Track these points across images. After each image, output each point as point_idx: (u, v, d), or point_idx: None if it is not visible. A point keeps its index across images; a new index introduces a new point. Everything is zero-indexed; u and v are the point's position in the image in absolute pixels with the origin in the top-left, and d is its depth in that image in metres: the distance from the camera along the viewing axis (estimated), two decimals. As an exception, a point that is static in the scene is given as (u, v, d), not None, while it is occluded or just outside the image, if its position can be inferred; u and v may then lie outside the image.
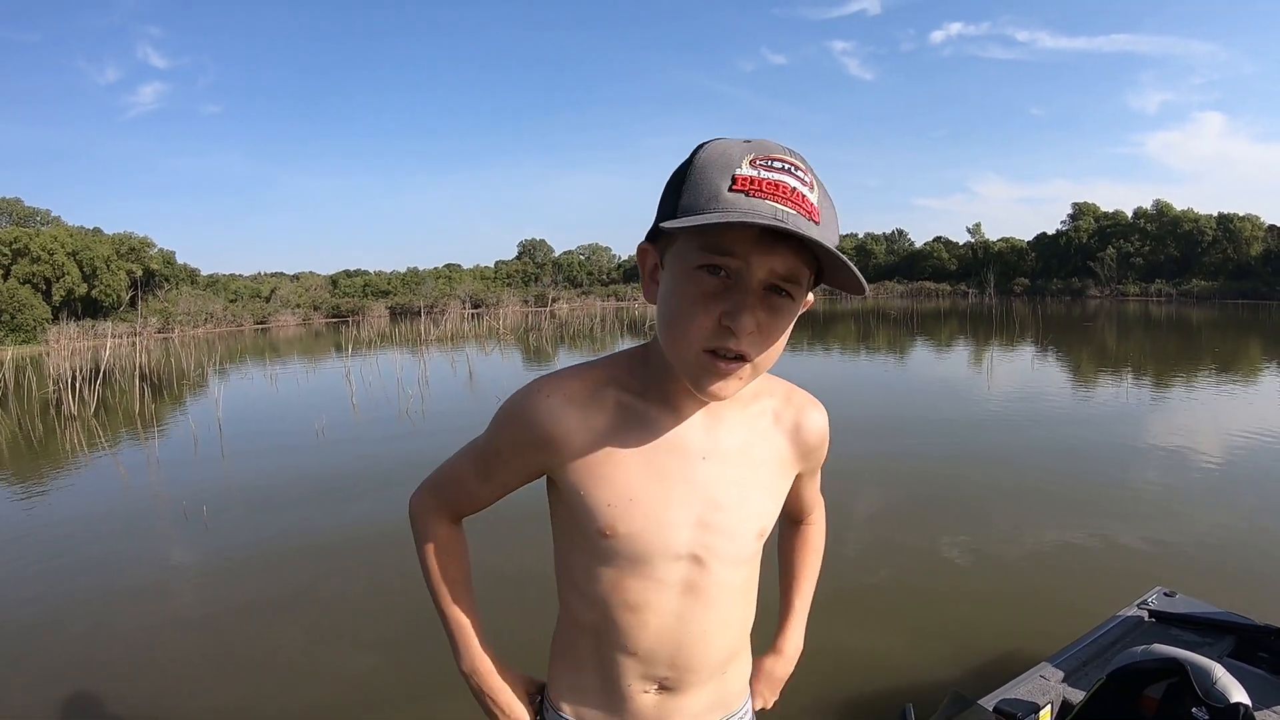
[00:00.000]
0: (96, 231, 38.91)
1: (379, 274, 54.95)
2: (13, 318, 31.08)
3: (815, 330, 22.02)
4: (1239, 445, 6.18)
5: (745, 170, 0.66)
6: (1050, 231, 51.97)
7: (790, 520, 1.06)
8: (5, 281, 31.92)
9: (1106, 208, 49.78)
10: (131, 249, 38.33)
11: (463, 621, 0.93)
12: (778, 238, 0.66)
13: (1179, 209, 45.14)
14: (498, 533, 3.24)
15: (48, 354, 24.18)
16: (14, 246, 33.04)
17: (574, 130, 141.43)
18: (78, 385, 11.31)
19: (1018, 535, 4.17)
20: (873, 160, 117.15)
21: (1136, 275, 43.41)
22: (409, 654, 3.03)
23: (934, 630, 3.08)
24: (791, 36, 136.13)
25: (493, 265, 60.27)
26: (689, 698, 0.88)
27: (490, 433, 0.86)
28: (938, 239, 58.34)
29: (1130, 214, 47.53)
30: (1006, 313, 27.33)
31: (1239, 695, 1.56)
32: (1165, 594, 2.50)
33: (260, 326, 39.31)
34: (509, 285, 53.71)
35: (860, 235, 61.02)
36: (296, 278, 53.66)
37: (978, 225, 56.55)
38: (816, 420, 0.90)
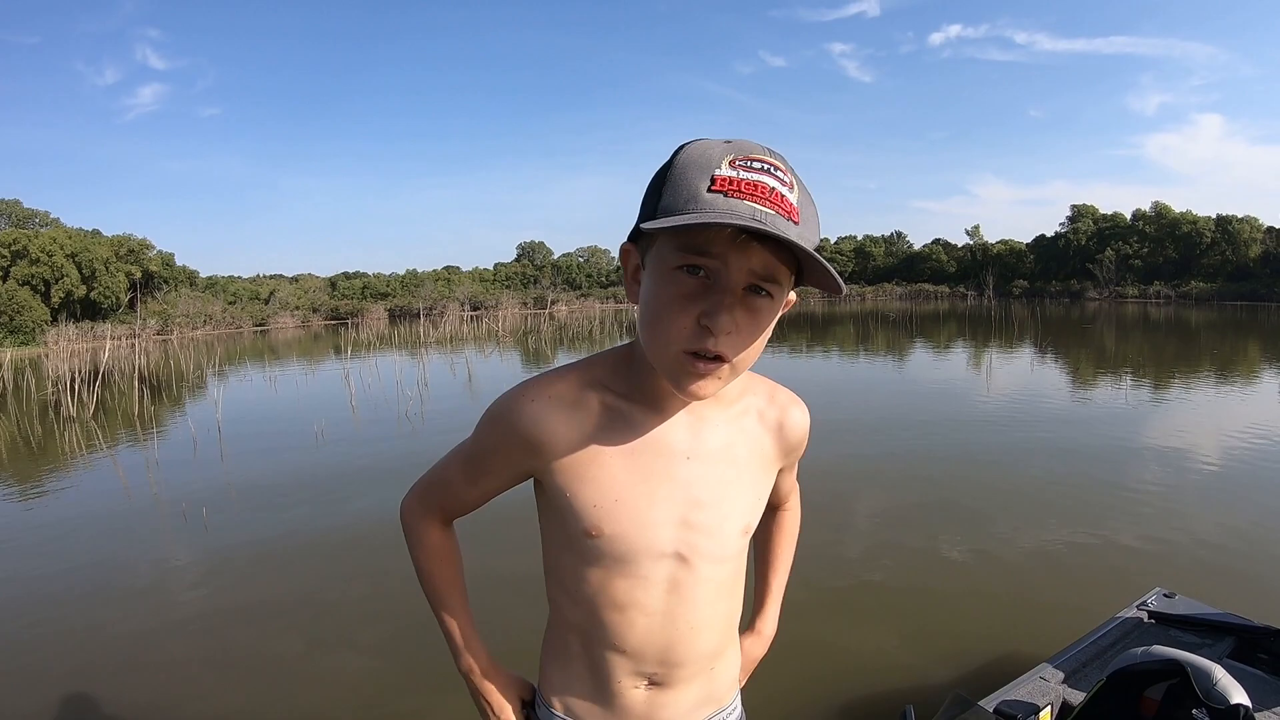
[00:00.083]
0: (95, 233, 38.91)
1: (378, 276, 54.99)
2: (11, 319, 31.05)
3: (814, 332, 22.03)
4: (1238, 446, 6.18)
5: (724, 171, 0.67)
6: (1049, 233, 52.13)
7: (768, 507, 1.08)
8: (4, 283, 31.90)
9: (1105, 210, 49.97)
10: (130, 251, 38.33)
11: (457, 623, 0.95)
12: (756, 238, 0.66)
13: (1178, 211, 45.24)
14: (490, 533, 3.24)
15: (46, 356, 24.18)
16: (13, 248, 33.03)
17: (573, 133, 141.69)
18: (77, 387, 11.31)
19: (1017, 536, 4.17)
20: (872, 162, 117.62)
21: (1135, 277, 43.48)
22: (409, 656, 3.02)
23: (934, 631, 3.08)
24: (790, 39, 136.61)
25: (491, 267, 60.31)
26: (678, 693, 0.89)
27: (477, 437, 0.87)
28: (936, 241, 58.44)
29: (1129, 216, 47.64)
30: (1005, 315, 27.36)
31: (1239, 696, 1.56)
32: (1165, 595, 2.50)
33: (259, 328, 39.30)
34: (508, 287, 53.76)
35: (859, 237, 61.10)
36: (295, 280, 53.68)
37: (976, 227, 56.67)
38: (799, 418, 0.91)
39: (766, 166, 0.68)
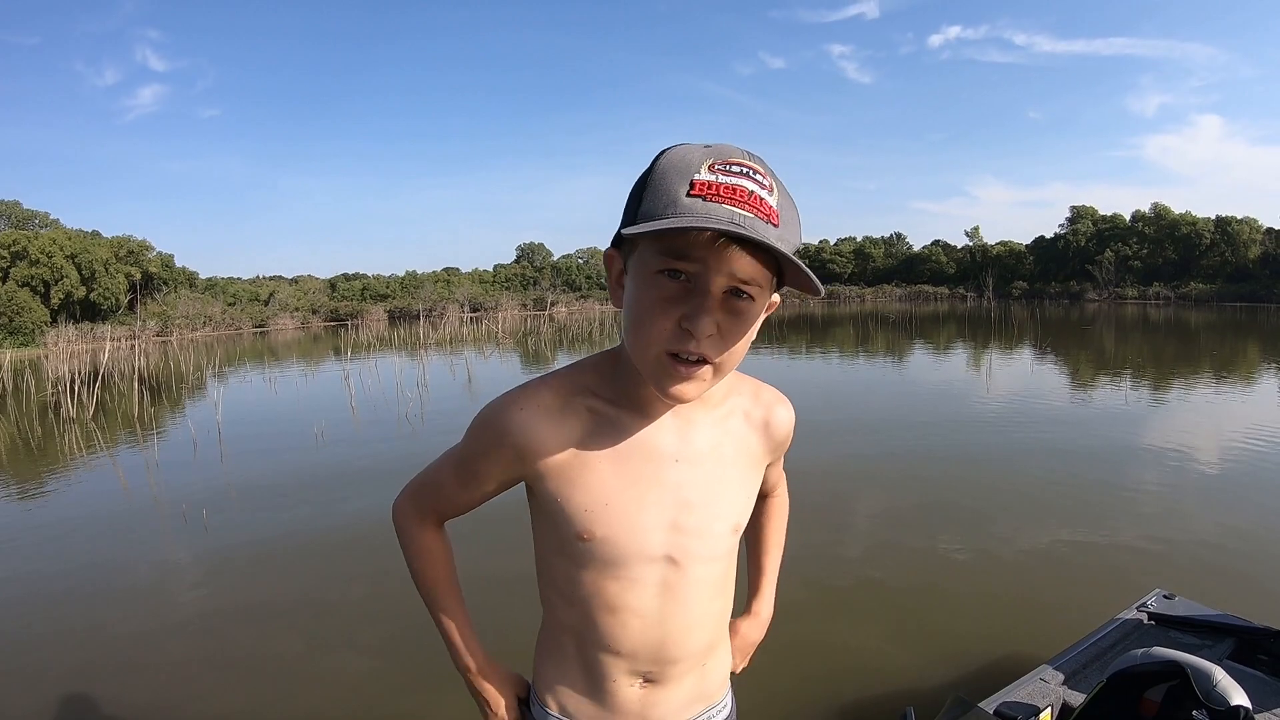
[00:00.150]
0: (95, 234, 38.90)
1: (377, 277, 54.96)
2: (11, 320, 31.04)
3: (815, 334, 22.04)
4: (1238, 447, 6.19)
5: (703, 175, 0.67)
6: (1048, 235, 52.17)
7: (758, 495, 1.10)
8: (4, 284, 31.89)
9: (1104, 211, 50.03)
10: (130, 252, 38.33)
11: (453, 621, 0.97)
12: (735, 241, 0.67)
13: (1177, 212, 45.29)
14: (486, 534, 3.24)
15: (46, 357, 24.19)
16: (13, 249, 33.02)
17: (572, 133, 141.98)
18: (76, 388, 11.31)
19: (1017, 537, 4.18)
20: (871, 163, 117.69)
21: (1134, 278, 43.51)
22: (409, 656, 3.02)
23: (934, 632, 3.08)
24: (789, 40, 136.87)
25: (491, 269, 60.28)
26: (672, 690, 0.91)
27: (467, 443, 0.89)
28: (936, 242, 58.46)
29: (1128, 217, 47.67)
30: (1005, 316, 27.37)
31: (1239, 698, 1.56)
32: (1165, 596, 2.50)
33: (259, 330, 39.30)
34: (507, 289, 53.75)
35: (859, 238, 61.09)
36: (295, 281, 53.67)
37: (976, 229, 56.73)
38: (784, 416, 0.93)
39: (745, 170, 0.68)
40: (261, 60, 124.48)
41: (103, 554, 4.58)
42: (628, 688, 0.89)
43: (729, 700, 1.01)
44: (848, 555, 3.98)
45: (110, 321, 32.96)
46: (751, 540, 1.14)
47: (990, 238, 55.82)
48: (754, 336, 0.77)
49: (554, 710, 0.92)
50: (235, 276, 52.27)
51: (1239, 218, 42.45)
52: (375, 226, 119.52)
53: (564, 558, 0.85)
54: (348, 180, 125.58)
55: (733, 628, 1.10)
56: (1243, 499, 4.81)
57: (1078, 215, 50.78)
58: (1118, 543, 4.05)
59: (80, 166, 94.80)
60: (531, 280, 56.54)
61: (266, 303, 44.84)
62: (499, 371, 14.68)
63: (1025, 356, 14.34)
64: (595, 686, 0.89)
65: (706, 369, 0.74)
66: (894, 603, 3.41)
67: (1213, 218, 43.48)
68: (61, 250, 33.98)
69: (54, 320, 32.33)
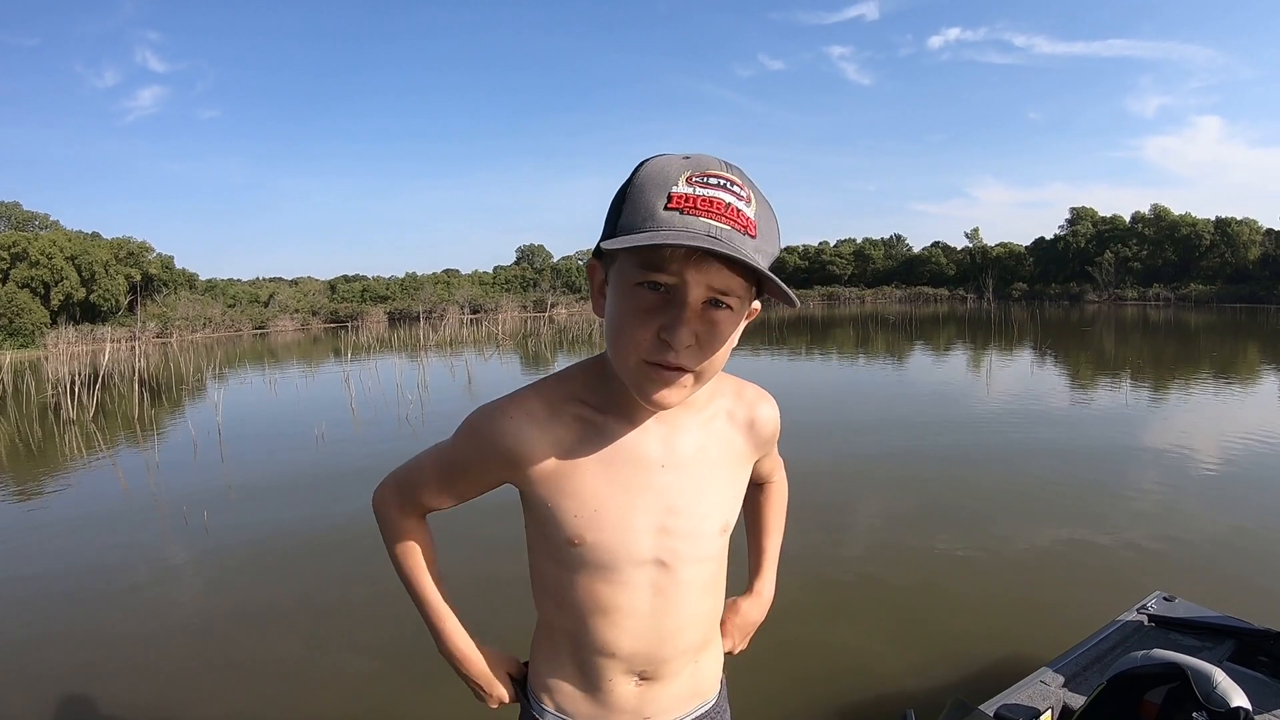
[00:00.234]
0: (95, 236, 38.95)
1: (377, 279, 55.04)
2: (11, 322, 31.06)
3: (814, 335, 22.04)
4: (1238, 448, 6.19)
5: (681, 188, 0.68)
6: (1048, 236, 52.19)
7: (755, 483, 1.11)
8: (4, 286, 31.91)
9: (1104, 212, 50.05)
10: (130, 253, 38.36)
11: (436, 607, 0.99)
12: (712, 253, 0.68)
13: (1177, 213, 45.32)
14: (481, 534, 3.24)
15: (46, 358, 24.17)
16: (12, 250, 33.05)
17: (572, 135, 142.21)
18: (76, 389, 11.31)
19: (1017, 538, 4.17)
20: (871, 164, 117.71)
21: (1134, 280, 43.53)
22: (409, 657, 3.02)
23: (934, 633, 3.08)
24: (789, 41, 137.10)
25: (491, 270, 60.33)
26: (667, 687, 0.93)
27: (455, 446, 0.90)
28: (936, 244, 58.51)
29: (1128, 218, 47.70)
30: (1005, 317, 27.38)
31: (1239, 700, 1.56)
32: (1165, 598, 2.50)
33: (259, 331, 39.31)
34: (507, 290, 53.76)
35: (858, 240, 61.14)
36: (295, 283, 53.73)
37: (976, 230, 56.80)
38: (768, 414, 0.94)
39: (723, 182, 0.69)
40: (261, 61, 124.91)
41: (103, 555, 4.57)
42: (624, 686, 0.91)
43: (723, 697, 1.03)
44: (847, 555, 3.97)
45: (110, 323, 32.97)
46: (751, 524, 1.15)
47: (990, 239, 55.97)
48: (735, 344, 0.78)
49: (551, 708, 0.94)
50: (235, 278, 52.43)
51: (1239, 219, 42.49)
52: (375, 228, 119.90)
53: (555, 562, 0.87)
54: (347, 181, 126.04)
55: (733, 606, 1.11)
56: (1243, 500, 4.81)
57: (1077, 216, 50.81)
58: (1118, 544, 4.05)
59: (80, 168, 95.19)
60: (531, 282, 56.56)
61: (266, 304, 44.87)
62: (499, 373, 14.67)
63: (1025, 358, 14.33)
64: (591, 685, 0.91)
65: (687, 376, 0.75)
66: (894, 603, 3.41)
67: (1212, 219, 43.52)
68: (61, 252, 34.00)
69: (54, 322, 32.35)
